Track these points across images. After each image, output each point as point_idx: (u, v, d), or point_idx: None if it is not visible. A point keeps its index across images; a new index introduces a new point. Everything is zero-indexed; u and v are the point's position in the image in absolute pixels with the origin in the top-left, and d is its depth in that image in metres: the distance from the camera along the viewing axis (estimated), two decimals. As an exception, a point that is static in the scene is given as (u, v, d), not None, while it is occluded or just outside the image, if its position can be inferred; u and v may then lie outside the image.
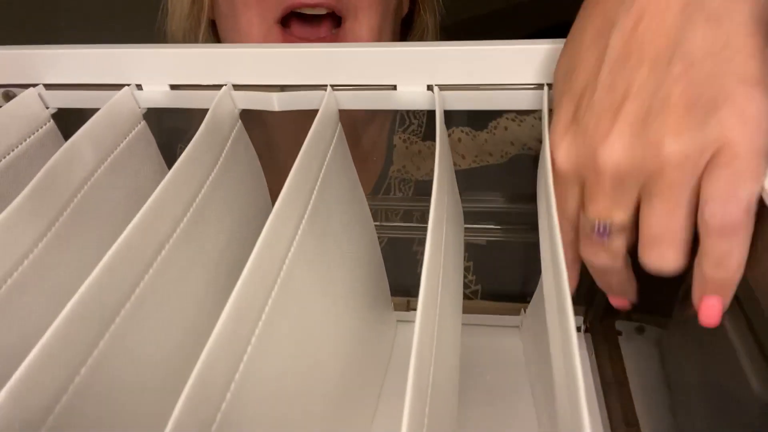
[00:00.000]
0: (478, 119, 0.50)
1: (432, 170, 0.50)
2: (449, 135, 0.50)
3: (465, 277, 0.48)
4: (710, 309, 0.20)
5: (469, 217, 0.44)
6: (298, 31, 0.43)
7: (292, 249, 0.23)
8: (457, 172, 0.49)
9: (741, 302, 0.22)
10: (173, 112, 0.34)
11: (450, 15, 0.53)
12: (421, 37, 0.51)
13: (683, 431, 0.30)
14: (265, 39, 0.42)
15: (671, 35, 0.19)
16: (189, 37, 0.47)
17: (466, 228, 0.43)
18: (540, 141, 0.48)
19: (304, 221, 0.25)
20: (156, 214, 0.23)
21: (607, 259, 0.23)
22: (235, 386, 0.18)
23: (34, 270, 0.23)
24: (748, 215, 0.19)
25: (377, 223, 0.44)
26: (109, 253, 0.21)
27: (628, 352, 0.37)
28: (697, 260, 0.20)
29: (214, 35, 0.47)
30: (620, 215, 0.22)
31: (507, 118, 0.49)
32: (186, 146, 0.52)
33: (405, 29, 0.51)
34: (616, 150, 0.20)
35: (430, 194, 0.53)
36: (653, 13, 0.20)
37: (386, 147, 0.51)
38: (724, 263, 0.19)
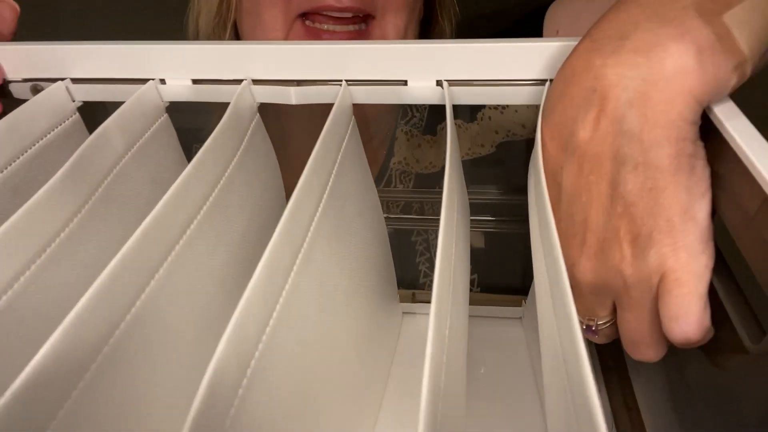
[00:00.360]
0: (467, 111, 0.52)
1: (431, 163, 0.52)
2: (443, 128, 0.52)
3: None
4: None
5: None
6: (323, 33, 0.44)
7: (313, 224, 0.25)
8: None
9: (729, 269, 0.23)
10: (187, 114, 0.36)
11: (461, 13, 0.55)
12: None
13: (681, 412, 0.32)
14: (288, 35, 0.44)
15: (609, 180, 0.22)
16: (214, 38, 0.48)
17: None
18: (523, 126, 0.50)
19: (323, 201, 0.26)
20: (185, 192, 0.25)
21: (605, 340, 0.27)
22: (263, 346, 0.19)
23: (68, 243, 0.25)
24: (702, 327, 0.21)
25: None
26: (142, 226, 0.22)
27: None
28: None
29: (235, 36, 0.49)
30: (603, 314, 0.25)
31: (489, 108, 0.51)
32: (200, 147, 0.54)
33: (422, 34, 0.53)
34: (586, 272, 0.24)
35: (429, 186, 0.55)
36: (591, 163, 0.23)
37: (389, 139, 0.53)
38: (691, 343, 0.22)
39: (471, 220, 0.44)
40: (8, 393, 0.14)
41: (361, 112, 0.52)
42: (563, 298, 0.20)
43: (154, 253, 0.22)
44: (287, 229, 0.21)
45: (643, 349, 0.25)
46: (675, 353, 0.27)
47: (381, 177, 0.52)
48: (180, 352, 0.23)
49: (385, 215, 0.47)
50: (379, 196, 0.46)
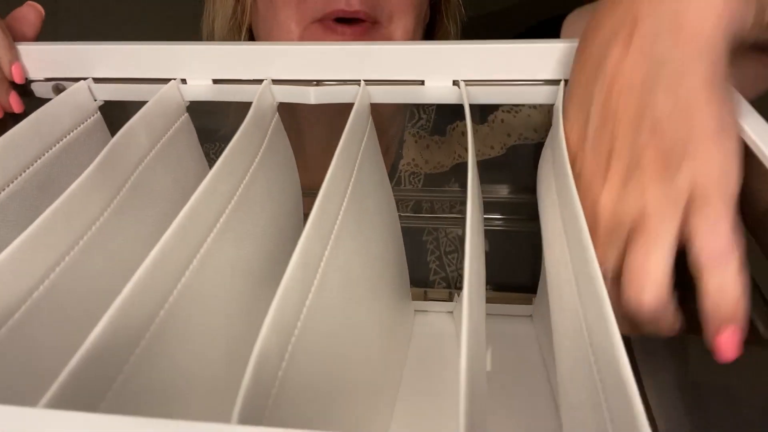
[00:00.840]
0: (478, 113, 0.53)
1: (439, 163, 0.53)
2: (454, 128, 0.53)
3: None
4: (725, 345, 0.21)
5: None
6: (338, 27, 0.44)
7: (339, 218, 0.25)
8: (461, 165, 0.52)
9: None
10: (202, 115, 0.36)
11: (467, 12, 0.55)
12: None
13: (690, 406, 0.32)
14: (302, 36, 0.45)
15: (637, 104, 0.23)
16: (230, 38, 0.49)
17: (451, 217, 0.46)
18: (535, 130, 0.51)
19: (347, 197, 0.27)
20: (214, 188, 0.25)
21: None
22: (298, 331, 0.20)
23: (99, 235, 0.25)
24: (732, 248, 0.21)
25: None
26: (178, 218, 0.23)
27: (635, 338, 0.39)
28: (699, 306, 0.21)
29: (250, 39, 0.50)
30: (612, 256, 0.24)
31: (503, 111, 0.52)
32: (211, 147, 0.54)
33: (426, 36, 0.54)
34: (607, 205, 0.23)
35: (438, 186, 0.55)
36: (620, 87, 0.23)
37: (399, 141, 0.54)
38: (723, 297, 0.21)
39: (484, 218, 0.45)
40: (67, 369, 0.15)
41: (373, 114, 0.52)
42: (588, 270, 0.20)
43: (188, 246, 0.23)
44: (318, 220, 0.22)
45: (642, 284, 0.22)
46: (686, 351, 0.28)
47: (391, 178, 0.53)
48: (214, 338, 0.23)
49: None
50: (401, 196, 0.47)
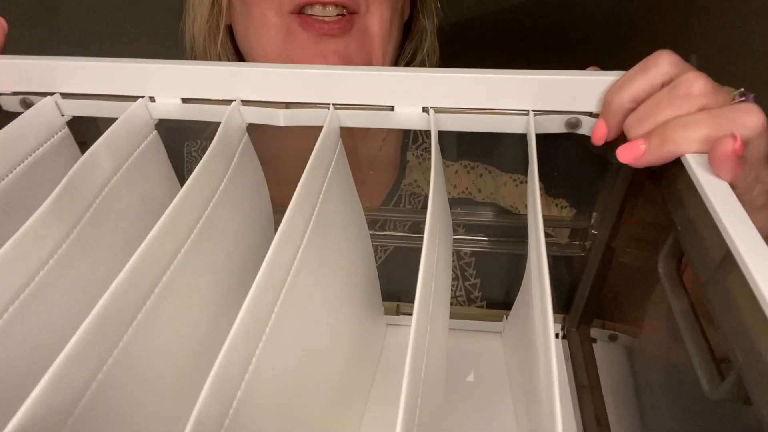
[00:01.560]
0: (454, 151, 0.54)
1: None
2: (474, 167, 0.54)
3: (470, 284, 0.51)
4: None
5: (461, 229, 0.47)
6: (315, 23, 0.44)
7: (298, 255, 0.25)
8: (465, 200, 0.53)
9: (697, 315, 0.24)
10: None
11: (447, 17, 0.56)
12: (420, 41, 0.54)
13: (649, 430, 0.33)
14: (279, 30, 0.44)
15: None
16: (209, 42, 0.49)
17: (458, 239, 0.46)
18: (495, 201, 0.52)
19: (309, 230, 0.27)
20: (174, 222, 0.25)
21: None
22: (249, 377, 0.20)
23: (58, 268, 0.25)
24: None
25: (387, 232, 0.47)
26: (133, 258, 0.23)
27: (601, 357, 0.39)
28: None
29: (231, 42, 0.50)
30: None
31: (487, 168, 0.54)
32: (193, 145, 0.54)
33: (405, 34, 0.54)
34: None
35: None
36: None
37: (399, 161, 0.55)
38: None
39: (468, 239, 0.46)
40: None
41: (367, 136, 0.53)
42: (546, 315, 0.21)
43: (139, 290, 0.23)
44: (271, 267, 0.22)
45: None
46: (647, 378, 0.28)
47: (391, 197, 0.54)
48: (167, 385, 0.23)
49: (393, 233, 0.48)
50: (389, 216, 0.48)
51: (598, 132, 0.30)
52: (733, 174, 0.23)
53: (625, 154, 0.27)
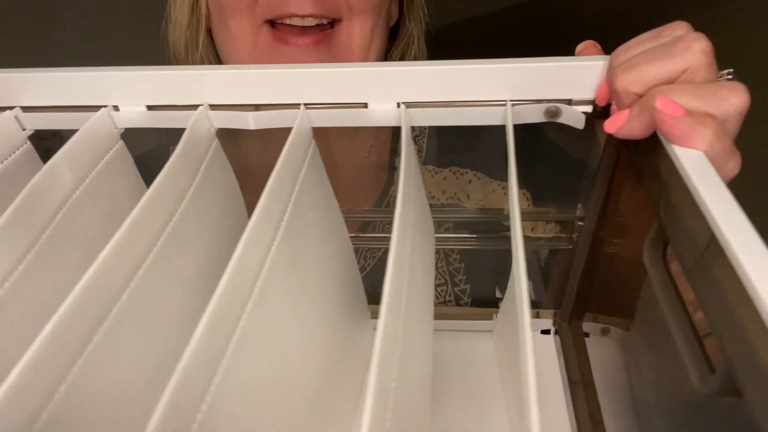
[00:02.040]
0: (437, 158, 0.54)
1: (429, 193, 0.53)
2: (464, 174, 0.53)
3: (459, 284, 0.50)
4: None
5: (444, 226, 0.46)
6: (290, 38, 0.44)
7: (266, 265, 0.24)
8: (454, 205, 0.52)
9: (685, 306, 0.23)
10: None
11: (435, 21, 0.55)
12: (407, 45, 0.53)
13: (643, 426, 0.32)
14: (256, 40, 0.44)
15: None
16: (190, 45, 0.49)
17: (443, 237, 0.45)
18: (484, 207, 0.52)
19: (278, 237, 0.26)
20: (133, 235, 0.24)
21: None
22: (211, 398, 0.19)
23: (13, 290, 0.24)
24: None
25: (376, 234, 0.46)
26: (87, 273, 0.21)
27: (593, 352, 0.38)
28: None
29: (212, 44, 0.50)
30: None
31: (476, 175, 0.53)
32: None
33: (392, 38, 0.53)
34: None
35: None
36: None
37: (388, 166, 0.55)
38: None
39: (452, 237, 0.45)
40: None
41: (355, 142, 0.52)
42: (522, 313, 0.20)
43: (100, 303, 0.22)
44: (234, 279, 0.21)
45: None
46: (640, 372, 0.27)
47: (380, 203, 0.54)
48: (132, 397, 0.22)
49: (382, 235, 0.47)
50: (380, 218, 0.47)
51: (600, 92, 0.29)
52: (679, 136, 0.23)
53: (609, 124, 0.28)
